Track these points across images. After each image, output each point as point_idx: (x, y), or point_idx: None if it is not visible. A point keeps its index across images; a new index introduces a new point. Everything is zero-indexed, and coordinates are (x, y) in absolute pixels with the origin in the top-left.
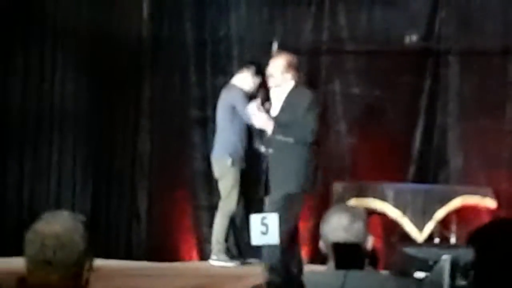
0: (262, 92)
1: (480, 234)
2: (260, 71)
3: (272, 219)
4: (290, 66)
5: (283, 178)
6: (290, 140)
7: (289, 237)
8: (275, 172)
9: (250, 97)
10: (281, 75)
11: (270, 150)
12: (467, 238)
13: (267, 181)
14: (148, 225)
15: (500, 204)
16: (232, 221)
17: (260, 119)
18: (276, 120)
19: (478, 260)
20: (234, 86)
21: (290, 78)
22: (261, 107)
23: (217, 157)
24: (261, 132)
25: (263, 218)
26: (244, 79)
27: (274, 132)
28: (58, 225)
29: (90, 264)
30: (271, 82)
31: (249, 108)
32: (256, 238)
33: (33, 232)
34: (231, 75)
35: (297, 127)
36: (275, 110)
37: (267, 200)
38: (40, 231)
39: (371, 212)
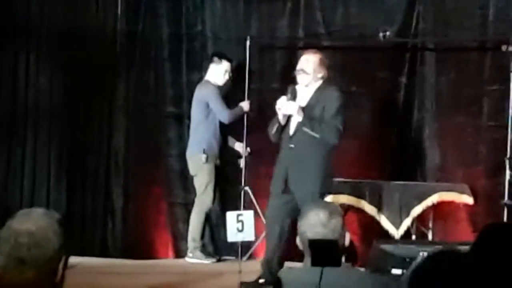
0: (291, 87)
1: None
2: (229, 60)
3: (248, 216)
4: (321, 63)
5: (304, 176)
6: (317, 136)
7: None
8: (296, 169)
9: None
10: (312, 72)
11: (292, 145)
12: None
13: (287, 176)
14: (123, 222)
15: (477, 200)
16: (208, 218)
17: (293, 106)
18: (307, 113)
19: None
20: (207, 82)
21: (320, 75)
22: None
23: (192, 154)
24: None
25: (239, 215)
26: (216, 74)
27: (302, 123)
28: (32, 222)
29: (65, 261)
30: (302, 79)
31: (279, 102)
32: (232, 235)
33: (7, 229)
34: (206, 70)
35: (326, 126)
36: (302, 103)
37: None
38: (14, 228)
39: (347, 209)
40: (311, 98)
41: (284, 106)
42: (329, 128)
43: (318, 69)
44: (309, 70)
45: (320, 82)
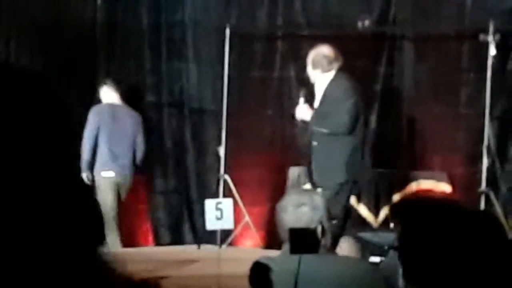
0: (302, 91)
1: (401, 210)
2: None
3: (227, 204)
4: (323, 57)
5: (329, 169)
6: (324, 130)
7: (339, 225)
8: (321, 163)
9: None
10: (315, 69)
11: (315, 143)
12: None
13: (311, 172)
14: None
15: (455, 188)
16: (187, 206)
17: (303, 111)
18: (316, 111)
19: (401, 236)
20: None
21: (326, 69)
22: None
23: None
24: None
25: (218, 203)
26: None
27: (312, 122)
28: None
29: None
30: (311, 77)
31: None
32: (211, 223)
33: None
34: (186, 59)
35: (331, 119)
36: (316, 103)
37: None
38: None
39: None
40: (323, 93)
41: (297, 113)
42: (334, 120)
43: (320, 64)
44: (310, 69)
45: (331, 75)
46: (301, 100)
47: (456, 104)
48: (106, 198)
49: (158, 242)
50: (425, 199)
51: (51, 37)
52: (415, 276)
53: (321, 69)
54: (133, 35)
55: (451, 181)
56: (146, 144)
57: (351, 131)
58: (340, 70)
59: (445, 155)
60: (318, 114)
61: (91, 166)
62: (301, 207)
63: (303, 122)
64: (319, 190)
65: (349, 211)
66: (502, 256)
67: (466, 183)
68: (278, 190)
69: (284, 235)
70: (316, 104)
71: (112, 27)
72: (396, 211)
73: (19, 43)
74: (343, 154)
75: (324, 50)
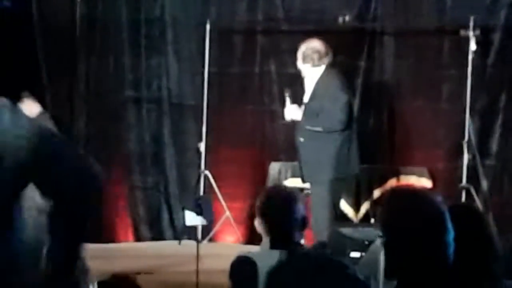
0: (286, 91)
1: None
2: None
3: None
4: (308, 54)
5: (317, 166)
6: (319, 129)
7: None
8: (308, 160)
9: None
10: (302, 65)
11: (302, 139)
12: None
13: (301, 169)
14: None
15: (436, 184)
16: (167, 202)
17: (292, 111)
18: (306, 108)
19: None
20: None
21: (316, 64)
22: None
23: None
24: None
25: (197, 199)
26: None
27: (303, 121)
28: None
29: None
30: (302, 73)
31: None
32: (191, 218)
33: None
34: (165, 55)
35: (325, 117)
36: (306, 98)
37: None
38: None
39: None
40: (313, 89)
41: (286, 114)
42: (329, 118)
43: (310, 58)
44: (300, 63)
45: (321, 70)
46: (288, 100)
47: (437, 99)
48: None
49: (138, 238)
50: (409, 189)
51: (30, 32)
52: (397, 265)
53: (311, 63)
54: (112, 31)
55: (432, 176)
56: None
57: (345, 128)
58: (330, 66)
59: (426, 151)
60: (310, 112)
61: None
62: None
63: (293, 122)
64: (307, 185)
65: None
66: (483, 247)
67: (447, 178)
68: (258, 185)
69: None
70: (306, 98)
71: (91, 23)
72: (382, 199)
73: None
74: (331, 150)
75: (315, 44)
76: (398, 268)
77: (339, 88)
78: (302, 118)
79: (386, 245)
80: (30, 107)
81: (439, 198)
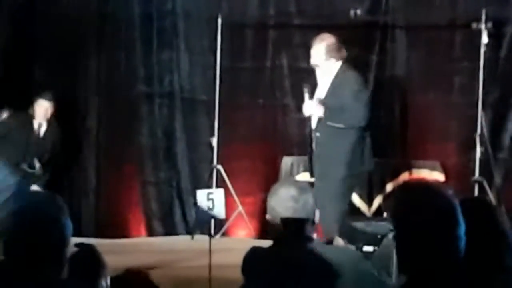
0: (305, 86)
1: (394, 201)
2: None
3: (218, 194)
4: (331, 49)
5: (332, 161)
6: (341, 125)
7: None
8: (323, 155)
9: None
10: (324, 61)
11: (318, 134)
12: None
13: (312, 163)
14: (97, 201)
15: (448, 177)
16: (179, 196)
17: (311, 107)
18: (327, 104)
19: (396, 227)
20: None
21: (333, 61)
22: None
23: None
24: None
25: (209, 193)
26: None
27: (325, 118)
28: (34, 210)
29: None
30: (318, 71)
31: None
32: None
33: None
34: (177, 50)
35: (348, 113)
36: (321, 93)
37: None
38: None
39: None
40: (331, 85)
41: (305, 109)
42: (352, 114)
43: (327, 56)
44: (318, 61)
45: (337, 66)
46: (306, 95)
47: (449, 92)
48: None
49: (150, 233)
50: (421, 183)
51: (42, 27)
52: (407, 258)
53: (335, 59)
54: (124, 26)
55: (444, 170)
56: None
57: (366, 124)
58: (345, 61)
59: (438, 144)
60: (332, 108)
61: None
62: (295, 195)
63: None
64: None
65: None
66: (495, 240)
67: (459, 172)
68: (270, 180)
69: (277, 223)
70: (321, 94)
71: (103, 18)
72: (393, 193)
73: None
74: (347, 147)
75: (334, 39)
76: (409, 261)
77: (361, 84)
78: (325, 115)
79: (397, 238)
80: (45, 109)
81: (450, 192)
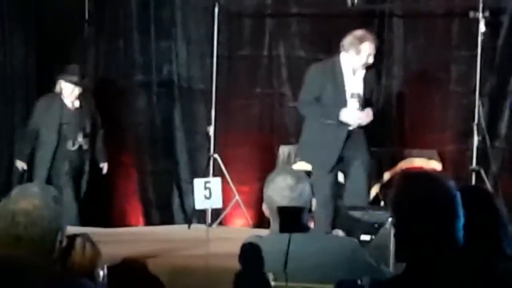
0: (356, 94)
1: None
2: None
3: (215, 184)
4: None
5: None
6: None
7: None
8: (362, 148)
9: None
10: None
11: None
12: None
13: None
14: (93, 191)
15: (445, 166)
16: (177, 186)
17: (359, 117)
18: (361, 98)
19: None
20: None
21: None
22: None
23: None
24: None
25: (207, 182)
26: None
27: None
28: (29, 201)
29: (61, 240)
30: (351, 65)
31: (356, 116)
32: (200, 202)
33: (3, 208)
34: (175, 39)
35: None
36: (353, 85)
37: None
38: (11, 207)
39: None
40: (364, 77)
41: (353, 120)
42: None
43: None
44: (373, 54)
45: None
46: (356, 104)
47: (447, 81)
48: None
49: (148, 222)
50: (420, 172)
51: (40, 16)
52: (406, 247)
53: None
54: (122, 14)
55: (442, 159)
56: None
57: None
58: None
59: (435, 133)
60: (366, 99)
61: None
62: (292, 183)
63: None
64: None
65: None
66: (493, 228)
67: (456, 161)
68: (268, 169)
69: (273, 212)
70: (354, 88)
71: (101, 6)
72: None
73: (10, 22)
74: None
75: (359, 34)
76: (407, 249)
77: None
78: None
79: (396, 227)
80: (72, 90)
81: (450, 181)
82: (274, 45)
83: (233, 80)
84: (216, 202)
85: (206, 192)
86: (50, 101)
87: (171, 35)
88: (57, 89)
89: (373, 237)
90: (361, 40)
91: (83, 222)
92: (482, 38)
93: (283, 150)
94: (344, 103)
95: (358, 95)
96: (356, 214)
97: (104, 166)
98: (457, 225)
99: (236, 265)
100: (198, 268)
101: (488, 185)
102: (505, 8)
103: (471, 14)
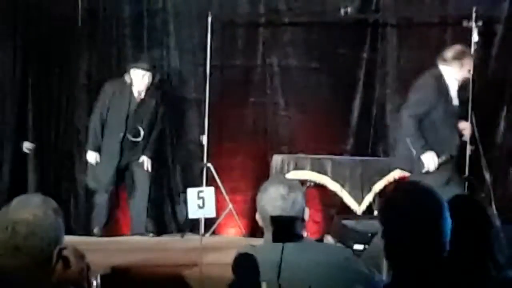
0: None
1: (384, 202)
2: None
3: (209, 193)
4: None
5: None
6: None
7: None
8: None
9: None
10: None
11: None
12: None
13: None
14: (86, 199)
15: None
16: (169, 195)
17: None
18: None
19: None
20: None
21: None
22: None
23: None
24: None
25: (200, 192)
26: None
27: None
28: (30, 211)
29: (60, 250)
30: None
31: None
32: (193, 211)
33: (3, 217)
34: (167, 48)
35: None
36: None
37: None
38: (11, 217)
39: (309, 185)
40: (457, 92)
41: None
42: None
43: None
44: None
45: None
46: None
47: None
48: None
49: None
50: (410, 183)
51: (33, 24)
52: (395, 257)
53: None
54: (115, 23)
55: None
56: None
57: None
58: None
59: None
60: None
61: None
62: (284, 193)
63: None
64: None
65: None
66: (485, 238)
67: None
68: (261, 178)
69: (266, 222)
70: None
71: (94, 15)
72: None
73: (2, 33)
74: None
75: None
76: (396, 260)
77: None
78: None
79: (384, 238)
80: (142, 77)
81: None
82: (267, 54)
83: (226, 89)
84: (210, 211)
85: (200, 202)
86: (119, 88)
87: (163, 44)
88: (127, 79)
89: (366, 246)
90: (463, 54)
91: (76, 232)
92: (475, 47)
93: (276, 159)
94: (452, 115)
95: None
96: (349, 223)
97: (145, 161)
98: (444, 233)
99: (229, 274)
100: (192, 277)
101: (481, 195)
102: (499, 17)
103: (465, 23)
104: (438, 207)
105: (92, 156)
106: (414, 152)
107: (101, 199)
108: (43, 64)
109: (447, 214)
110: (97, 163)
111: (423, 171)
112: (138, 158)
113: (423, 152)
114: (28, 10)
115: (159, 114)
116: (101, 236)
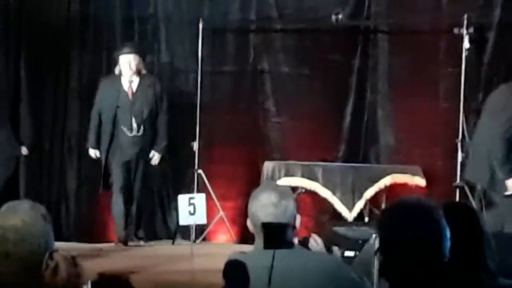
0: None
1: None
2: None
3: (200, 200)
4: None
5: None
6: None
7: None
8: None
9: None
10: None
11: None
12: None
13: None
14: (77, 206)
15: (431, 182)
16: (160, 201)
17: None
18: None
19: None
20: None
21: None
22: None
23: None
24: None
25: (191, 198)
26: None
27: None
28: (19, 217)
29: (50, 255)
30: None
31: None
32: (184, 218)
33: None
34: (158, 54)
35: None
36: None
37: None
38: (0, 223)
39: (300, 191)
40: None
41: None
42: None
43: None
44: None
45: None
46: None
47: (432, 97)
48: None
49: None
50: (409, 203)
51: (24, 30)
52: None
53: None
54: (105, 29)
55: (428, 175)
56: None
57: None
58: None
59: (420, 149)
60: None
61: None
62: (275, 200)
63: None
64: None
65: None
66: (477, 244)
67: (442, 177)
68: (252, 184)
69: (257, 229)
70: None
71: (85, 21)
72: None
73: None
74: None
75: None
76: (393, 271)
77: None
78: None
79: (382, 254)
80: (129, 62)
81: (438, 210)
82: (258, 61)
83: (217, 95)
84: (200, 218)
85: (191, 208)
86: (109, 82)
87: (154, 50)
88: (116, 70)
89: (357, 253)
90: None
91: (65, 238)
92: (467, 54)
93: (267, 166)
94: None
95: None
96: (340, 230)
97: (155, 156)
98: (444, 254)
99: (220, 281)
100: (182, 283)
101: (472, 201)
102: (490, 24)
103: (456, 30)
104: (437, 226)
105: (91, 153)
106: (501, 174)
107: (118, 200)
108: (35, 69)
109: (447, 232)
110: (106, 164)
111: (506, 193)
112: (145, 154)
113: (511, 176)
114: (20, 16)
115: (163, 104)
116: (124, 241)
